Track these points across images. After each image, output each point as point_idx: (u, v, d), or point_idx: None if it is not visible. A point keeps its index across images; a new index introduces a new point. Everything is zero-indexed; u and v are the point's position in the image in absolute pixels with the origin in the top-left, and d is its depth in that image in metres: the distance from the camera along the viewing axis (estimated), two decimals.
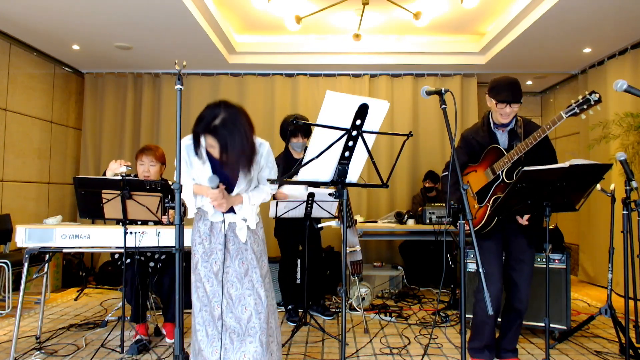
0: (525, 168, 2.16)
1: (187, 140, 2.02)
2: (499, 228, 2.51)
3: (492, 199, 2.48)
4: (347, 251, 3.91)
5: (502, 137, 2.57)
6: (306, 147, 3.56)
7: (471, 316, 2.75)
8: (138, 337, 3.08)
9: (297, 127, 3.62)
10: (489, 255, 2.51)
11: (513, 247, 2.57)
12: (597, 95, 2.24)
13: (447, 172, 2.65)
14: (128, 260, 2.98)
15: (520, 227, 2.52)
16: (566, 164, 2.10)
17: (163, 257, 3.22)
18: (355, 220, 4.84)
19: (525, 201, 2.26)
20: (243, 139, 1.88)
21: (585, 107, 2.27)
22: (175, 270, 1.59)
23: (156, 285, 3.25)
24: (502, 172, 2.46)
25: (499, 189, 2.47)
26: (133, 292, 3.08)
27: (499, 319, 2.73)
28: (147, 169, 3.19)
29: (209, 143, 1.92)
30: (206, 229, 2.15)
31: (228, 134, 1.84)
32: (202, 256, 2.11)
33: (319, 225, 3.79)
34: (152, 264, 3.20)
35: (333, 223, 3.91)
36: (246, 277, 2.13)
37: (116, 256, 3.25)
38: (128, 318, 3.10)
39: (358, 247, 3.89)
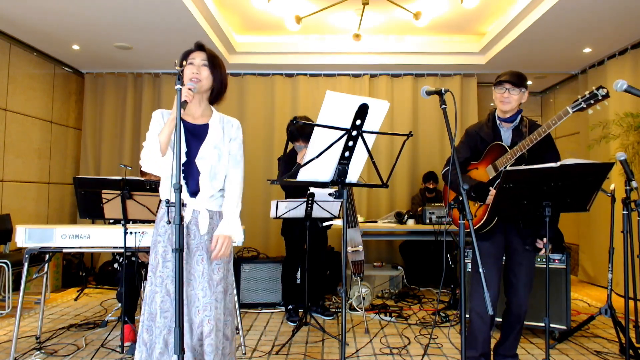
0: (507, 168, 2.13)
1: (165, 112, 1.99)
2: (500, 229, 2.44)
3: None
4: (350, 250, 3.91)
5: (506, 134, 2.52)
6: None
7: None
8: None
9: (298, 132, 3.60)
10: (487, 258, 2.42)
11: (513, 250, 2.49)
12: (605, 90, 2.21)
13: (448, 168, 2.59)
14: (126, 260, 2.98)
15: (521, 229, 2.46)
16: (556, 164, 2.07)
17: None
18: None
19: (519, 202, 2.21)
20: None
21: (592, 102, 2.24)
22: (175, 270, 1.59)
23: None
24: (506, 167, 2.39)
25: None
26: (125, 292, 3.07)
27: (497, 318, 2.70)
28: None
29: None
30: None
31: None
32: (164, 255, 1.90)
33: (324, 224, 3.78)
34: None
35: (338, 222, 3.90)
36: (203, 277, 1.93)
37: (117, 257, 3.25)
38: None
39: (360, 247, 3.89)
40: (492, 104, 2.65)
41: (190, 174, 1.94)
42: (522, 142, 2.34)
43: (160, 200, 2.00)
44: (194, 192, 1.95)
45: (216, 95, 2.06)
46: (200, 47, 2.00)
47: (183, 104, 1.72)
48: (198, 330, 1.89)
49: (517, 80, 2.45)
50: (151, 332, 1.87)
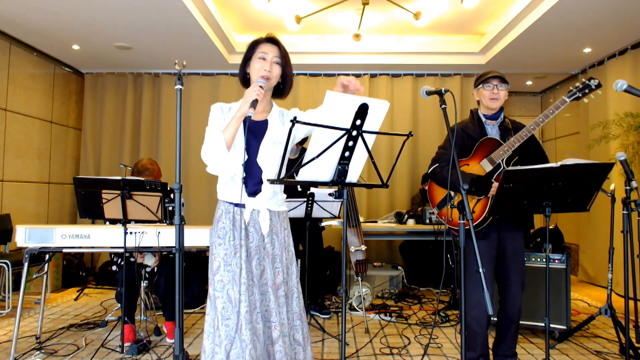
0: (509, 168, 2.13)
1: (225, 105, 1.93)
2: (494, 228, 2.44)
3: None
4: (352, 250, 3.92)
5: (493, 131, 2.53)
6: (303, 149, 3.59)
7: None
8: (138, 337, 3.08)
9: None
10: (482, 258, 2.43)
11: (506, 250, 2.48)
12: (597, 81, 2.29)
13: (437, 164, 2.57)
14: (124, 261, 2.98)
15: (514, 228, 2.47)
16: (557, 164, 2.07)
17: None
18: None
19: (520, 201, 2.21)
20: None
21: (586, 91, 2.30)
22: (174, 270, 1.59)
23: (154, 285, 3.26)
24: (503, 160, 2.39)
25: (499, 179, 2.42)
26: (125, 293, 3.07)
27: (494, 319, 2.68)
28: None
29: None
30: (229, 224, 1.83)
31: None
32: (225, 258, 1.79)
33: (322, 224, 3.79)
34: (148, 268, 3.21)
35: (335, 222, 3.91)
36: (262, 281, 1.85)
37: (115, 259, 3.25)
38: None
39: (364, 247, 3.90)
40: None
41: (250, 173, 1.87)
42: (519, 133, 2.35)
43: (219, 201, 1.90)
44: (253, 192, 1.88)
45: (282, 91, 2.02)
46: (272, 40, 1.91)
47: (253, 103, 1.70)
48: (263, 337, 1.81)
49: (502, 76, 2.50)
50: (212, 341, 1.74)
